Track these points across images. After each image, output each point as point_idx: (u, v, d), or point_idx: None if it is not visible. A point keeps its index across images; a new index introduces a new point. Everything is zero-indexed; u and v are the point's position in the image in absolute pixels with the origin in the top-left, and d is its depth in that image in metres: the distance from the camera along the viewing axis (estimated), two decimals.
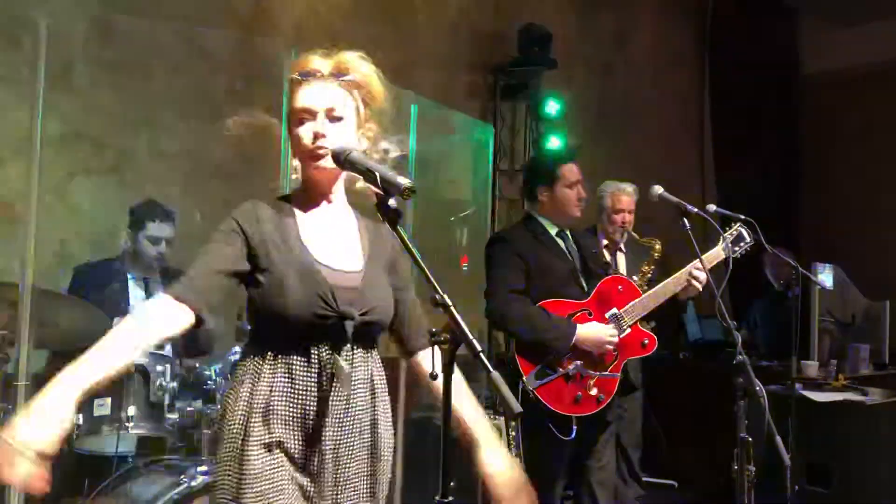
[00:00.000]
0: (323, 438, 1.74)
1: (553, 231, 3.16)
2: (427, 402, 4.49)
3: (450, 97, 5.34)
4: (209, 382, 3.04)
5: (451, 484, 1.52)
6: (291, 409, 1.73)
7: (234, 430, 1.74)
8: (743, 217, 3.09)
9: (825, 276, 4.83)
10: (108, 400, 2.81)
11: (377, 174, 1.62)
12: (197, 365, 3.15)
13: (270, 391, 1.73)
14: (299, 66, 1.86)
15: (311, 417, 1.74)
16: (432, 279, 1.53)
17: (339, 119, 1.82)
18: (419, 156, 3.73)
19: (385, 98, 1.93)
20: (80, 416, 2.78)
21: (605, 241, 4.13)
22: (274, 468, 1.72)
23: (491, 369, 1.41)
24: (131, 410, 2.83)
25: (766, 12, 7.53)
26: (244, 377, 1.77)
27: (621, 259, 4.13)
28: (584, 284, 3.12)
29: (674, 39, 7.20)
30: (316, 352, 1.75)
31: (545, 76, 5.74)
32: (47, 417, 1.52)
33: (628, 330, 3.06)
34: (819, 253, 5.32)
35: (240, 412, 1.74)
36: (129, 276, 3.43)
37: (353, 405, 1.78)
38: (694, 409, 4.94)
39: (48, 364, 2.96)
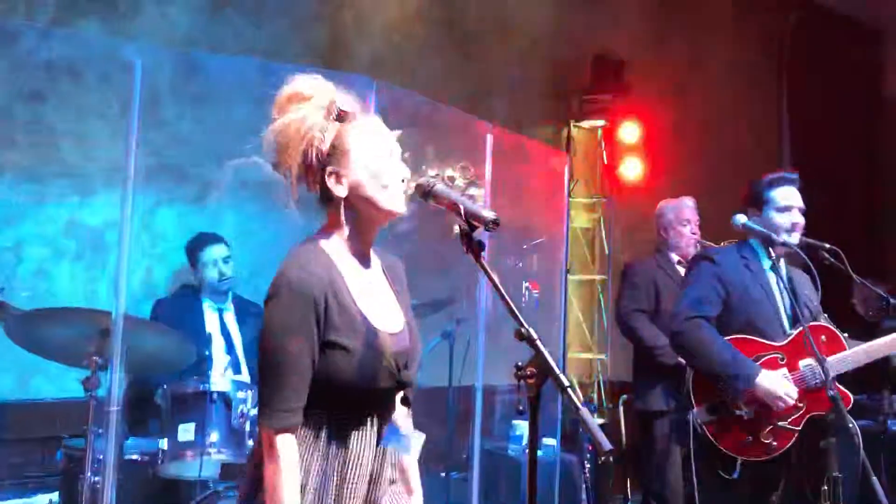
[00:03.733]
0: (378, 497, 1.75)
1: (766, 263, 2.95)
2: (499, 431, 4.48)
3: (524, 125, 5.35)
4: None
5: None
6: (352, 473, 1.69)
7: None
8: (828, 245, 2.99)
9: None
10: (192, 426, 2.87)
11: (462, 207, 1.62)
12: None
13: (328, 458, 1.67)
14: (336, 98, 1.72)
15: (368, 480, 1.72)
16: (518, 313, 1.52)
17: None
18: (494, 184, 3.75)
19: None
20: (166, 440, 2.85)
21: (677, 259, 4.05)
22: None
23: (580, 406, 1.39)
24: (214, 436, 2.89)
25: (848, 33, 7.35)
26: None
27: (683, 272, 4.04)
28: (787, 327, 2.91)
29: (750, 62, 7.06)
30: (370, 417, 1.72)
31: (619, 102, 5.71)
32: None
33: (820, 385, 2.78)
34: None
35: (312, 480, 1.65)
36: (203, 303, 3.54)
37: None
38: None
39: (128, 388, 3.05)
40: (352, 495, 1.69)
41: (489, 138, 3.66)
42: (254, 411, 2.98)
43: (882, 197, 7.53)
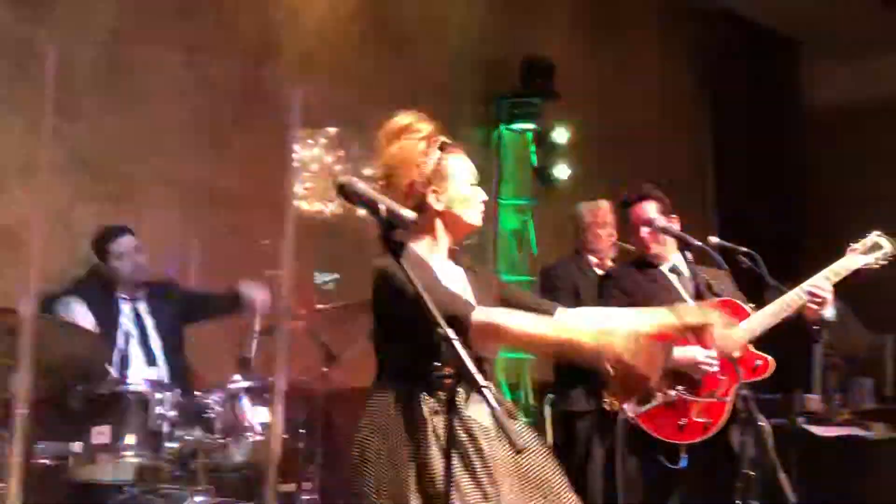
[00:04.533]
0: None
1: (666, 266, 3.11)
2: None
3: (453, 126, 5.36)
4: (208, 411, 3.02)
5: None
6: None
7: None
8: (745, 249, 3.07)
9: (829, 310, 4.80)
10: (107, 428, 2.79)
11: (382, 206, 1.62)
12: (197, 393, 3.14)
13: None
14: (435, 131, 2.09)
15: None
16: (436, 314, 1.53)
17: None
18: None
19: None
20: (79, 444, 2.76)
21: (595, 261, 4.12)
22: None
23: (495, 405, 1.40)
24: (129, 439, 2.81)
25: (770, 44, 7.61)
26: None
27: None
28: None
29: (676, 72, 7.24)
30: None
31: (548, 106, 5.78)
32: None
33: (737, 353, 2.84)
34: None
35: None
36: (118, 298, 3.45)
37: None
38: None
39: (39, 389, 2.94)
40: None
41: None
42: (172, 413, 2.91)
43: (802, 201, 7.83)
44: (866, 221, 7.40)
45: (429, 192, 2.06)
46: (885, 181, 7.36)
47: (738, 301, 2.99)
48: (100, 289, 3.45)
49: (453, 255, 2.14)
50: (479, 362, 1.86)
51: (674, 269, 3.11)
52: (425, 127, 2.09)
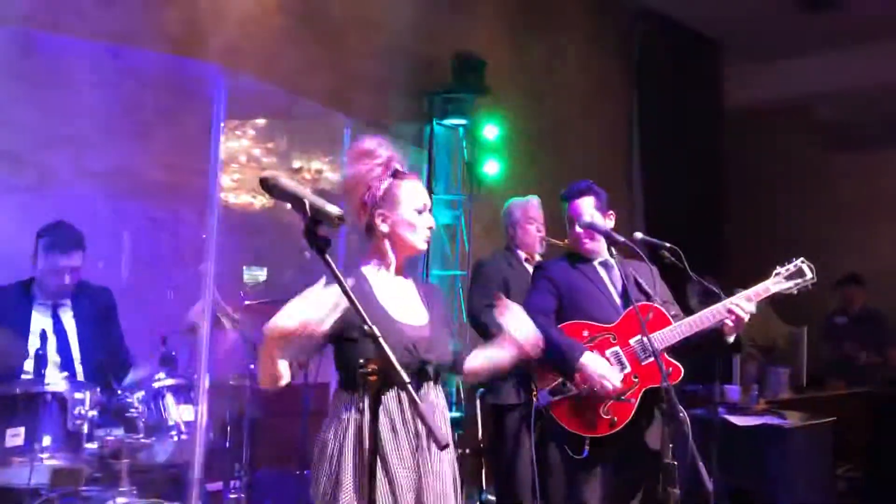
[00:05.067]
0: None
1: (597, 260, 3.17)
2: None
3: (384, 121, 5.35)
4: (132, 410, 2.95)
5: None
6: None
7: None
8: (669, 245, 3.14)
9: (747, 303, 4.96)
10: (22, 430, 2.69)
11: (306, 202, 1.60)
12: (119, 392, 3.05)
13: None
14: (394, 158, 2.26)
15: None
16: (361, 311, 1.52)
17: None
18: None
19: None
20: None
21: (524, 256, 4.19)
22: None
23: (419, 401, 1.41)
24: (46, 440, 2.72)
25: (690, 44, 7.81)
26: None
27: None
28: (621, 311, 3.09)
29: (602, 69, 7.38)
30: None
31: (479, 102, 5.81)
32: None
33: (651, 358, 2.96)
34: (742, 280, 5.48)
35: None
36: (35, 303, 3.29)
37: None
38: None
39: None
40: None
41: (347, 133, 3.64)
42: (92, 412, 2.83)
43: (723, 198, 8.08)
44: (784, 217, 7.71)
45: (376, 215, 2.24)
46: (801, 178, 7.67)
47: (661, 309, 3.08)
48: (22, 287, 3.31)
49: (400, 271, 2.31)
50: (422, 364, 2.14)
51: (604, 264, 3.19)
52: (384, 153, 2.25)
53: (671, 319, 3.05)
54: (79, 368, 3.26)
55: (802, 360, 5.34)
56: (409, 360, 2.10)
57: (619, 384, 2.94)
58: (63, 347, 3.24)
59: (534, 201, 4.25)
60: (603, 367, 2.95)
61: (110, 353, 3.34)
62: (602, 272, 3.18)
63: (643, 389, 2.99)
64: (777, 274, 3.09)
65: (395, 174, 2.26)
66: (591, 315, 3.08)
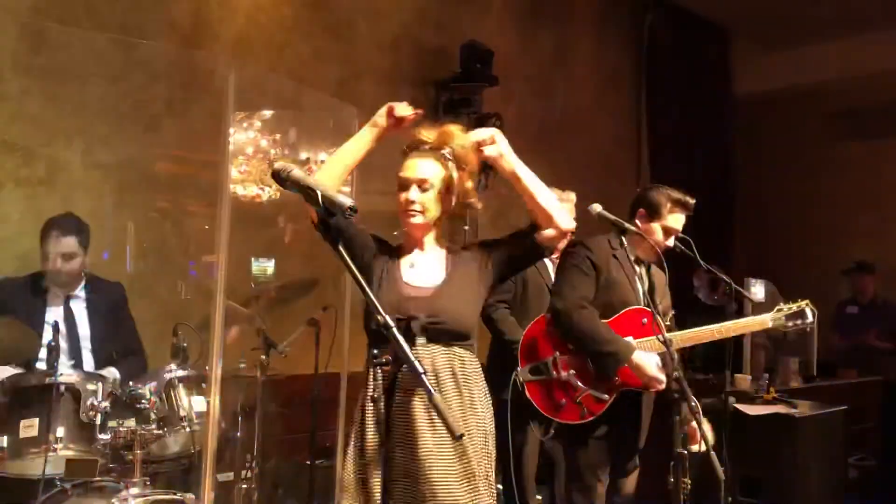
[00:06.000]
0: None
1: (632, 254, 3.12)
2: None
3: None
4: (143, 402, 2.96)
5: None
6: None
7: None
8: (679, 234, 3.15)
9: (757, 291, 4.96)
10: (36, 421, 2.71)
11: (318, 193, 1.60)
12: (131, 383, 3.07)
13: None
14: (412, 137, 2.29)
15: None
16: (374, 301, 1.52)
17: (429, 188, 2.25)
18: (361, 169, 3.71)
19: (474, 159, 2.37)
20: (4, 438, 2.68)
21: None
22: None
23: (433, 392, 1.41)
24: (60, 431, 2.73)
25: (700, 32, 7.76)
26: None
27: (550, 266, 4.15)
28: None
29: (611, 58, 7.34)
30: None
31: (487, 92, 5.78)
32: None
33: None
34: (751, 268, 5.48)
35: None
36: (47, 295, 3.31)
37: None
38: None
39: None
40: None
41: (356, 123, 3.63)
42: (105, 404, 2.84)
43: (733, 188, 8.04)
44: (792, 205, 7.68)
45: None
46: (810, 167, 7.63)
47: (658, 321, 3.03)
48: (34, 278, 3.33)
49: (419, 242, 2.32)
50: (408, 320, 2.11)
51: (641, 261, 3.18)
52: (415, 137, 2.32)
53: (662, 328, 2.99)
54: (88, 358, 3.28)
55: (813, 349, 5.33)
56: (396, 316, 2.02)
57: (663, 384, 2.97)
58: (72, 338, 3.26)
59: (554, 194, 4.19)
60: (654, 368, 2.96)
61: (123, 347, 3.36)
62: (636, 267, 3.14)
63: (619, 389, 3.02)
64: (779, 310, 3.15)
65: (403, 153, 2.32)
66: (616, 309, 3.07)
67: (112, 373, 3.13)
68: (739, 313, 3.46)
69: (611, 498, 3.14)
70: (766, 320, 3.16)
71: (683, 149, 7.42)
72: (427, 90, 5.77)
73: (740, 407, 4.26)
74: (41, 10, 3.98)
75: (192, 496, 2.80)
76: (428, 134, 2.32)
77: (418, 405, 2.03)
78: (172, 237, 4.37)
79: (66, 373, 2.86)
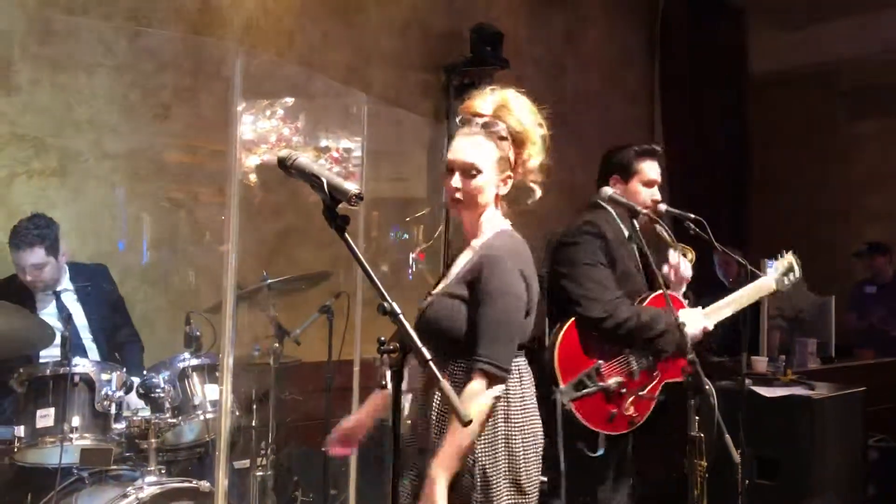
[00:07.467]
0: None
1: (625, 233, 2.99)
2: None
3: (402, 96, 5.30)
4: (157, 391, 2.97)
5: None
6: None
7: None
8: (693, 216, 3.09)
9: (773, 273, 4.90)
10: (51, 411, 2.73)
11: (324, 180, 1.59)
12: (145, 372, 3.08)
13: None
14: (465, 104, 2.12)
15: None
16: (380, 287, 1.51)
17: (477, 173, 2.06)
18: (372, 155, 3.70)
19: (537, 134, 2.25)
20: (21, 428, 2.70)
21: None
22: None
23: (441, 377, 1.39)
24: (75, 421, 2.75)
25: (714, 12, 7.65)
26: None
27: None
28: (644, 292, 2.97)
29: (624, 38, 7.25)
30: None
31: (497, 76, 5.74)
32: None
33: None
34: (767, 250, 5.41)
35: None
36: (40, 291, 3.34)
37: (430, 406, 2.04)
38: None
39: None
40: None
41: (365, 109, 3.61)
42: (119, 394, 2.86)
43: (748, 168, 7.95)
44: (809, 186, 7.59)
45: None
46: (825, 147, 7.53)
47: (677, 296, 3.01)
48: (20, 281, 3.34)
49: (467, 238, 2.19)
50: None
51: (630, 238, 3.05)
52: (465, 103, 2.16)
53: (685, 305, 3.01)
54: (92, 347, 3.30)
55: (830, 330, 5.27)
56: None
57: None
58: (73, 332, 3.27)
59: None
60: (700, 315, 2.92)
61: (120, 332, 3.39)
62: (633, 247, 3.03)
63: (661, 384, 2.91)
64: (775, 269, 3.20)
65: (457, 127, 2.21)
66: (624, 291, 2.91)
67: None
68: None
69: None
70: (770, 283, 3.13)
71: (698, 129, 7.34)
72: (438, 74, 5.73)
73: (757, 389, 4.22)
74: (49, 1, 3.97)
75: (208, 484, 2.82)
76: (482, 103, 2.11)
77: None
78: (186, 226, 4.38)
79: (81, 363, 2.88)
